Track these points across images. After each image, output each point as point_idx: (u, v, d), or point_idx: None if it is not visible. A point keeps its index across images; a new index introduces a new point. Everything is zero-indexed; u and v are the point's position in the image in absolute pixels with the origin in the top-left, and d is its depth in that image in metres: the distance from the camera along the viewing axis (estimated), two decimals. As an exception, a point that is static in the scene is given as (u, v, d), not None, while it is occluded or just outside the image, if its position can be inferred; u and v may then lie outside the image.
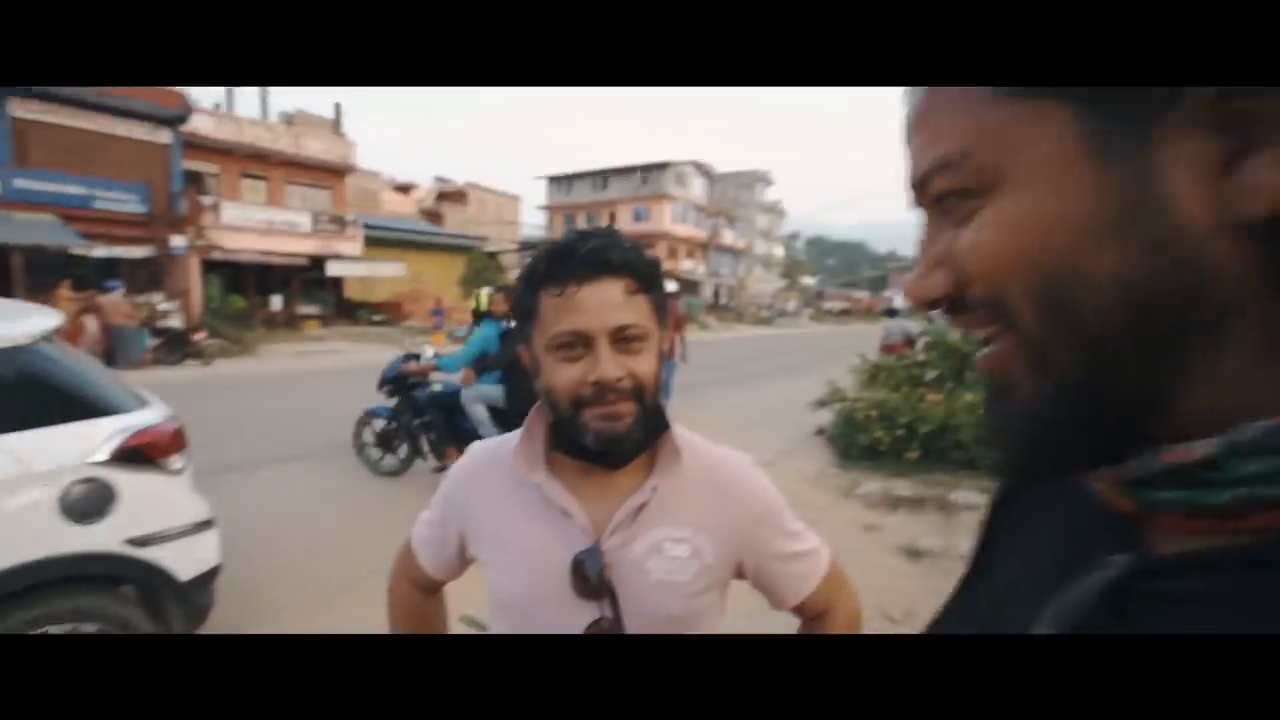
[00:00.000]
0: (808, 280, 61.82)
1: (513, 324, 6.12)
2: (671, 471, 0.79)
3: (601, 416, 0.72)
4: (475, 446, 0.92)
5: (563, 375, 0.73)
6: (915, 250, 0.34)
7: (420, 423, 4.87)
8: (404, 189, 42.16)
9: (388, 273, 21.83)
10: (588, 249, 0.72)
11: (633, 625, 0.76)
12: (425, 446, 4.90)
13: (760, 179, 55.20)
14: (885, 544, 3.97)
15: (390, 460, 5.13)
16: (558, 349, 0.73)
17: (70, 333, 11.82)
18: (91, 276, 15.26)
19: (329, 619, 2.90)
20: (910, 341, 9.77)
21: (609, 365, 0.71)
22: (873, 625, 2.98)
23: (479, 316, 4.64)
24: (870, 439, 5.74)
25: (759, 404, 9.49)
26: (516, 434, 0.84)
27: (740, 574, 0.84)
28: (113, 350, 11.79)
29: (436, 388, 4.86)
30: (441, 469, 4.76)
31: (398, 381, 4.95)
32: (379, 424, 5.13)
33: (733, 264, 47.46)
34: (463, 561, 0.91)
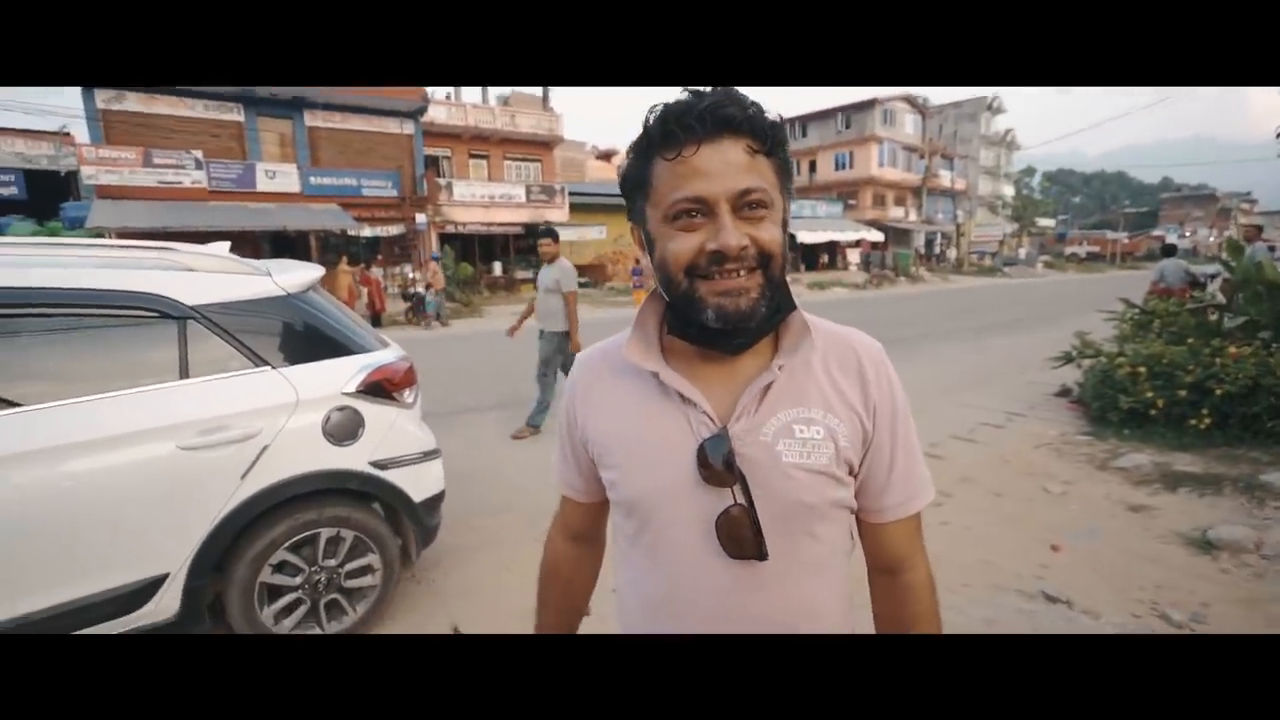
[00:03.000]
0: (1045, 222, 52.26)
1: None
2: (800, 349, 0.73)
3: (722, 292, 0.67)
4: (583, 353, 0.86)
5: (679, 244, 0.67)
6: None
7: None
8: (605, 156, 44.10)
9: (591, 236, 23.09)
10: (706, 105, 0.65)
11: (765, 514, 0.70)
12: None
13: (987, 107, 47.77)
14: (1160, 529, 3.19)
15: None
16: (675, 219, 0.67)
17: (347, 301, 14.45)
18: (361, 253, 18.47)
19: (536, 547, 3.12)
20: (1196, 284, 7.79)
21: (731, 233, 0.65)
22: (1144, 624, 2.40)
23: None
24: (1136, 401, 4.66)
25: (981, 360, 8.33)
26: (627, 330, 0.78)
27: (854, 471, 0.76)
28: (378, 314, 14.21)
29: None
30: None
31: None
32: None
33: (950, 208, 42.12)
34: (595, 473, 0.85)
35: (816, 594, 0.76)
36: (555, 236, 5.12)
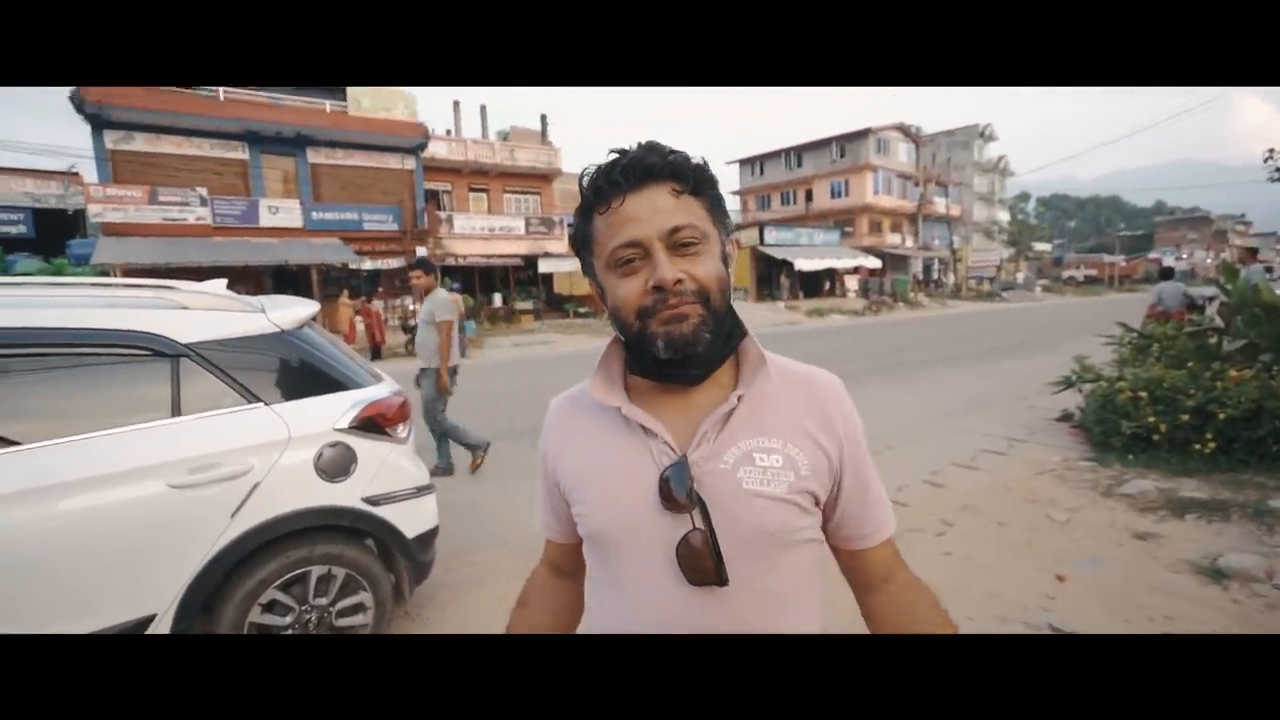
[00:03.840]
0: (1042, 246, 52.74)
1: None
2: (757, 379, 0.77)
3: (667, 320, 0.70)
4: (555, 400, 0.90)
5: (624, 289, 0.72)
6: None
7: None
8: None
9: (590, 267, 23.27)
10: (628, 160, 0.71)
11: (726, 540, 0.71)
12: None
13: (979, 135, 48.58)
14: (1168, 557, 3.14)
15: None
16: (616, 266, 0.72)
17: (348, 334, 14.51)
18: (362, 286, 18.62)
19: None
20: (1194, 307, 7.80)
21: (666, 268, 0.69)
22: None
23: None
24: (1139, 426, 4.62)
25: (982, 386, 8.30)
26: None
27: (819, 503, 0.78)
28: (378, 347, 14.25)
29: None
30: None
31: None
32: None
33: (946, 234, 42.51)
34: (571, 515, 0.86)
35: (783, 628, 0.75)
36: (427, 267, 4.82)
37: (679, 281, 0.70)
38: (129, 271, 13.27)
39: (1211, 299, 7.78)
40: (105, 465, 1.94)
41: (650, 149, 0.72)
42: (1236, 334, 5.04)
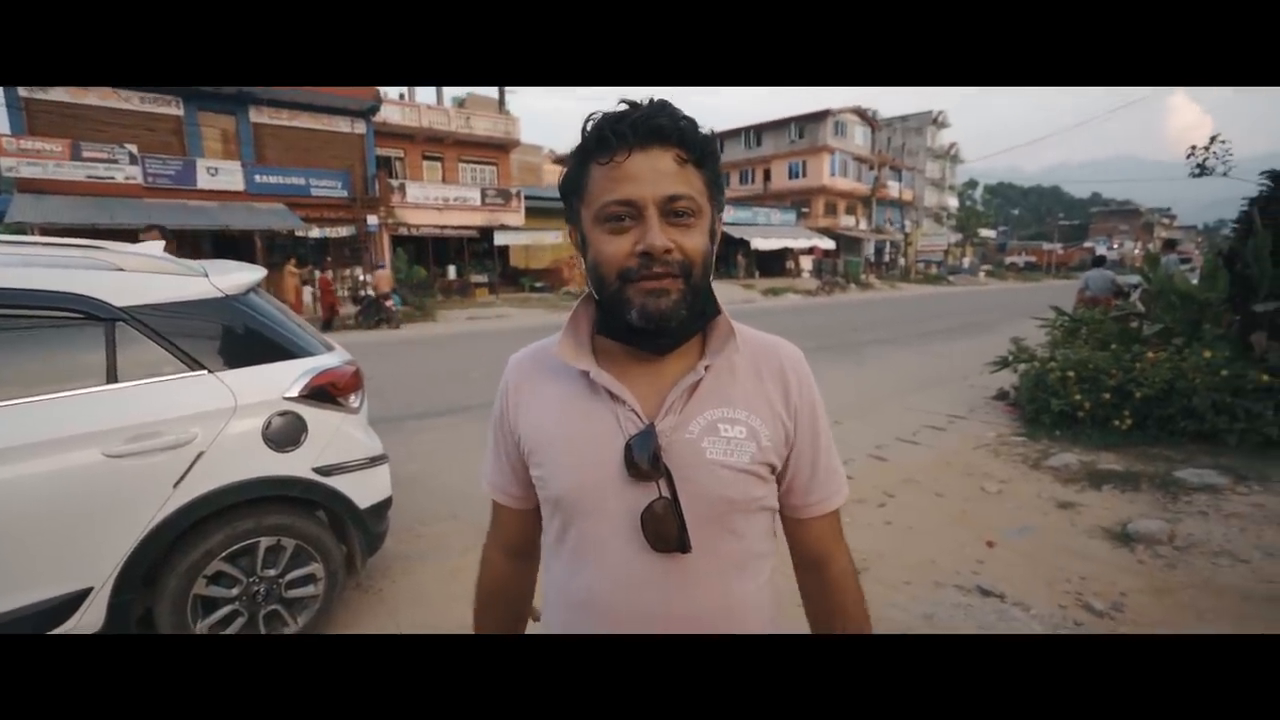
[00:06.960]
0: (987, 233, 54.62)
1: None
2: (725, 351, 0.77)
3: (647, 292, 0.70)
4: (515, 355, 0.87)
5: (610, 247, 0.71)
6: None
7: None
8: (562, 160, 43.92)
9: (548, 241, 22.96)
10: (639, 114, 0.69)
11: (689, 509, 0.73)
12: None
13: (932, 122, 49.65)
14: (1085, 524, 3.38)
15: None
16: (606, 220, 0.71)
17: (294, 303, 13.97)
18: (309, 254, 17.88)
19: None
20: (1120, 293, 8.28)
21: (657, 235, 0.68)
22: (1070, 614, 2.54)
23: None
24: (1066, 404, 4.93)
25: (925, 365, 8.64)
26: (558, 332, 0.81)
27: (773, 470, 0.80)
28: (331, 318, 13.79)
29: None
30: None
31: None
32: None
33: (899, 218, 43.55)
34: (530, 477, 0.84)
35: (739, 592, 0.78)
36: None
37: (668, 251, 0.69)
38: (49, 231, 12.37)
39: (1136, 286, 8.26)
40: (33, 433, 1.85)
41: (662, 108, 0.70)
42: (1154, 319, 5.39)
